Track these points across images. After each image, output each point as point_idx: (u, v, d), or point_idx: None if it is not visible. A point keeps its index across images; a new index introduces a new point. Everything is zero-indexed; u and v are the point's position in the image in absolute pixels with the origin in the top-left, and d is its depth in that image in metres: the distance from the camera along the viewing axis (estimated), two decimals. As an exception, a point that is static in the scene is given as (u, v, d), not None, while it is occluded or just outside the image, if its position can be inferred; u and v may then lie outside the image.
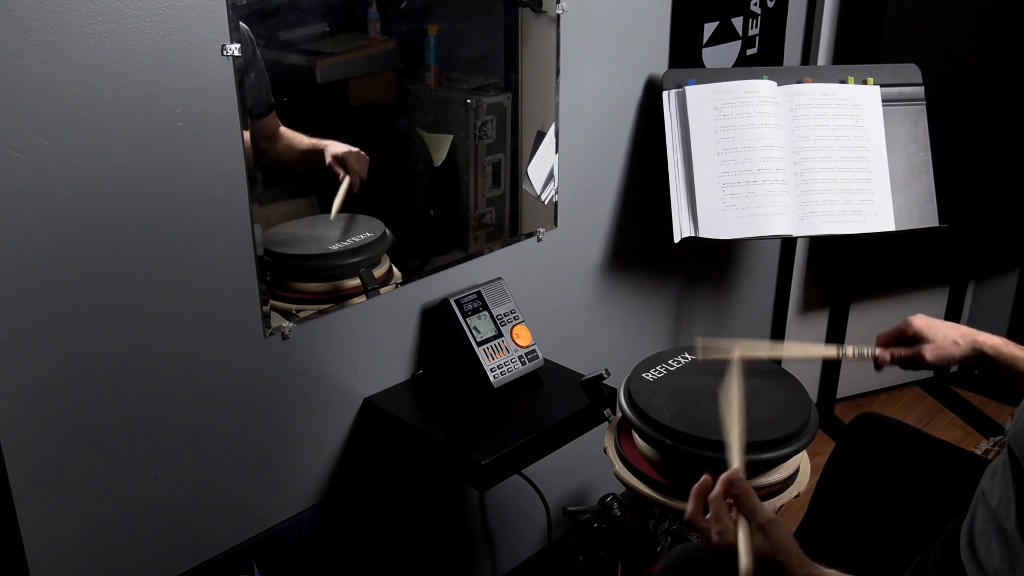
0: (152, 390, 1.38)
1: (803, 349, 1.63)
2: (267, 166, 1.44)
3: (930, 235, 2.04)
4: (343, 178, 1.54)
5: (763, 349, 1.62)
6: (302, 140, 1.49)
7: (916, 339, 1.45)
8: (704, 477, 1.12)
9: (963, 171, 2.53)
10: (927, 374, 3.11)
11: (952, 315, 3.03)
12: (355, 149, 1.55)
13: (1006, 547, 1.06)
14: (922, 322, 1.45)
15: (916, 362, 1.45)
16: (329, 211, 1.56)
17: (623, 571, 1.97)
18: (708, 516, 1.09)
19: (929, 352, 1.42)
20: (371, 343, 1.68)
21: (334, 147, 1.52)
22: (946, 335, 1.42)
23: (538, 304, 1.95)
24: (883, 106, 2.05)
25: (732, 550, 1.07)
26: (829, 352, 1.58)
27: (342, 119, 1.54)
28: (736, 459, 1.20)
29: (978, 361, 1.42)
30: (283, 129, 1.45)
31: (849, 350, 1.53)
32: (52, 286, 1.24)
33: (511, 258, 1.89)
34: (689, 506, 1.12)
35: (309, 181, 1.53)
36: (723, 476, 1.09)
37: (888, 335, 1.49)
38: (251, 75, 1.37)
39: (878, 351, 1.48)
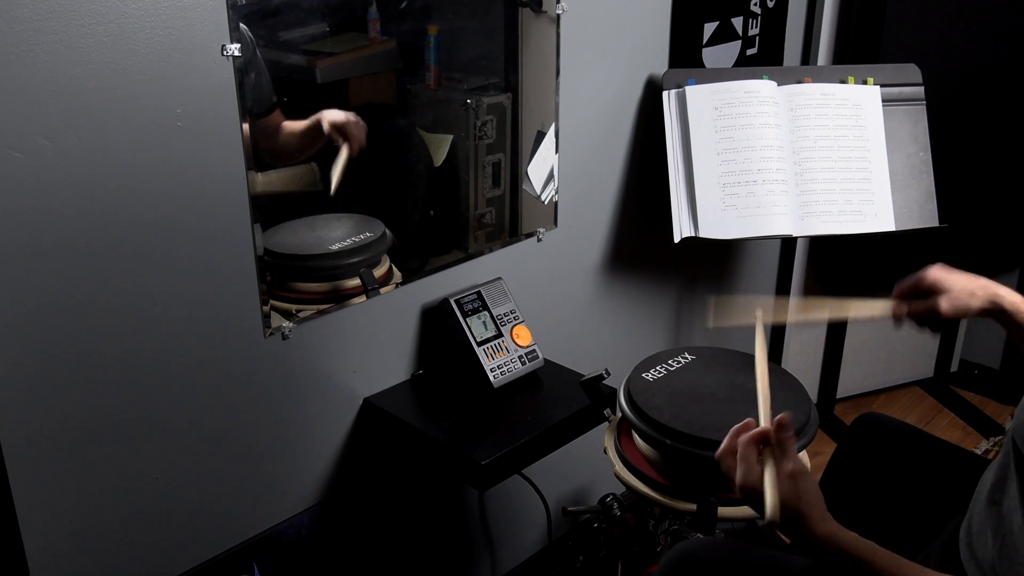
0: (152, 390, 1.38)
1: (818, 306, 1.56)
2: (270, 160, 1.43)
3: (930, 235, 2.04)
4: (342, 145, 1.52)
5: (781, 310, 1.57)
6: (299, 124, 1.48)
7: (933, 290, 1.38)
8: (747, 420, 1.12)
9: (963, 171, 2.53)
10: (927, 373, 3.11)
11: (952, 315, 3.03)
12: (353, 116, 1.52)
13: (1003, 543, 1.06)
14: (938, 272, 1.38)
15: (932, 315, 1.38)
16: (329, 188, 1.54)
17: (623, 571, 1.97)
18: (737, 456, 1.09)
19: (945, 303, 1.35)
20: (371, 343, 1.68)
21: (330, 114, 1.50)
22: (964, 286, 1.36)
23: (538, 304, 1.95)
24: (883, 106, 2.05)
25: (756, 493, 1.07)
26: (844, 309, 1.51)
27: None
28: (764, 416, 1.18)
29: (995, 315, 1.35)
30: (283, 123, 1.45)
31: (864, 306, 1.47)
32: (52, 285, 1.24)
33: (511, 258, 1.89)
34: (724, 443, 1.12)
35: (312, 192, 1.53)
36: (777, 418, 1.08)
37: (905, 287, 1.42)
38: (251, 75, 1.37)
39: (894, 304, 1.42)
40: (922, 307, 1.38)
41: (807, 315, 1.52)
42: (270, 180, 1.45)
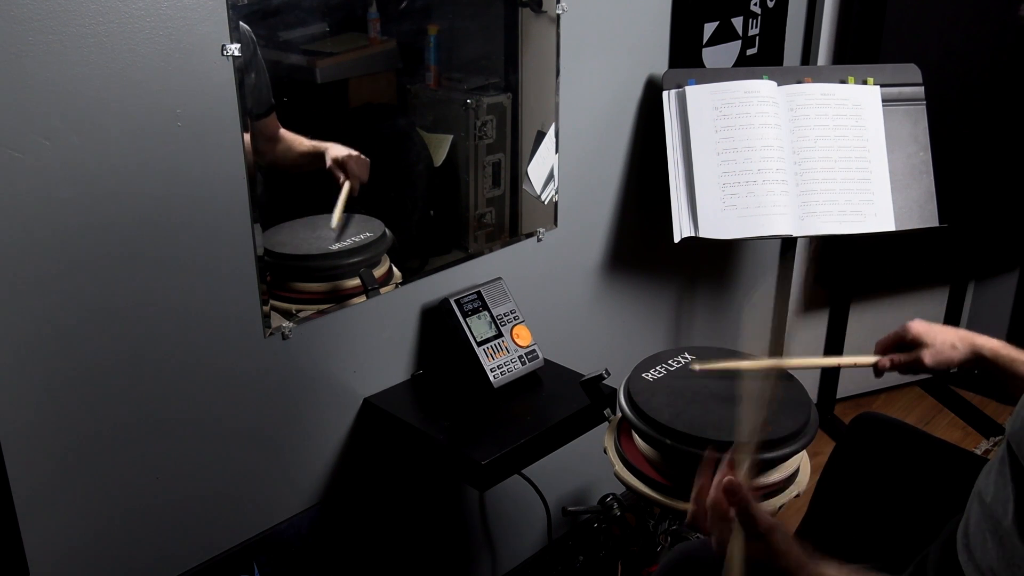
0: (152, 390, 1.38)
1: (802, 361, 1.64)
2: (266, 167, 1.44)
3: (930, 235, 2.04)
4: (343, 182, 1.54)
5: (763, 362, 1.63)
6: (302, 142, 1.49)
7: (914, 344, 1.45)
8: (701, 483, 1.10)
9: (963, 171, 2.53)
10: (927, 373, 3.11)
11: (952, 315, 3.03)
12: (355, 153, 1.55)
13: (1001, 545, 1.06)
14: (920, 327, 1.45)
15: (916, 367, 1.45)
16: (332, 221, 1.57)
17: (623, 571, 1.97)
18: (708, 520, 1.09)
19: (928, 356, 1.42)
20: (371, 343, 1.68)
21: (335, 150, 1.52)
22: (944, 339, 1.42)
23: (538, 304, 1.95)
24: (883, 106, 2.05)
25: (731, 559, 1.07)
26: (828, 362, 1.59)
27: (342, 119, 1.54)
28: (742, 462, 1.17)
29: (977, 364, 1.42)
30: (283, 131, 1.45)
31: (848, 359, 1.53)
32: (51, 286, 1.24)
33: (511, 258, 1.89)
34: (690, 509, 1.11)
35: (312, 193, 1.54)
36: (722, 483, 1.06)
37: (886, 341, 1.49)
38: (251, 75, 1.37)
39: (877, 358, 1.48)
40: (906, 359, 1.45)
41: (796, 364, 1.60)
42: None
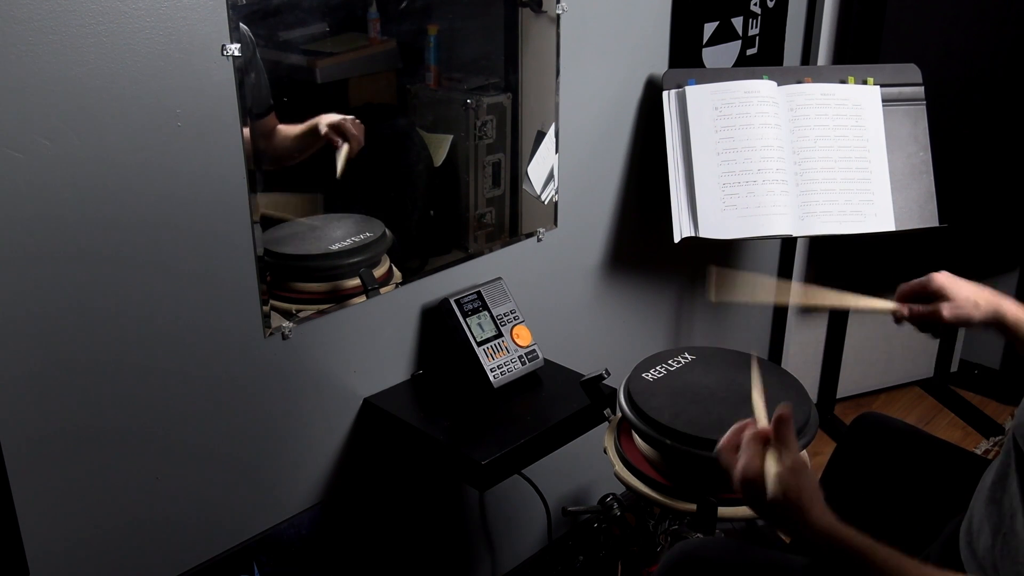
0: (152, 390, 1.38)
1: (819, 295, 1.56)
2: (268, 163, 1.44)
3: (930, 235, 2.04)
4: (341, 145, 1.52)
5: (775, 290, 1.57)
6: (295, 127, 1.48)
7: (937, 296, 1.38)
8: (749, 420, 1.13)
9: (963, 171, 2.53)
10: (927, 373, 3.11)
11: (952, 315, 3.03)
12: (350, 116, 1.53)
13: (1005, 543, 1.06)
14: (944, 278, 1.39)
15: (934, 319, 1.38)
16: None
17: (623, 571, 1.97)
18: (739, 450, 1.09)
19: (948, 310, 1.35)
20: (371, 343, 1.68)
21: (327, 117, 1.50)
22: (968, 295, 1.36)
23: (538, 304, 1.95)
24: (883, 106, 2.05)
25: (756, 484, 1.06)
26: (847, 302, 1.52)
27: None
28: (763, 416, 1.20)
29: (996, 327, 1.36)
30: (279, 126, 1.45)
31: (867, 301, 1.47)
32: (52, 285, 1.24)
33: (511, 258, 1.89)
34: (725, 437, 1.12)
35: (313, 177, 1.53)
36: (777, 411, 1.09)
37: (909, 288, 1.42)
38: (251, 75, 1.37)
39: (896, 305, 1.42)
40: (924, 311, 1.38)
41: (808, 300, 1.53)
42: (274, 201, 1.46)
